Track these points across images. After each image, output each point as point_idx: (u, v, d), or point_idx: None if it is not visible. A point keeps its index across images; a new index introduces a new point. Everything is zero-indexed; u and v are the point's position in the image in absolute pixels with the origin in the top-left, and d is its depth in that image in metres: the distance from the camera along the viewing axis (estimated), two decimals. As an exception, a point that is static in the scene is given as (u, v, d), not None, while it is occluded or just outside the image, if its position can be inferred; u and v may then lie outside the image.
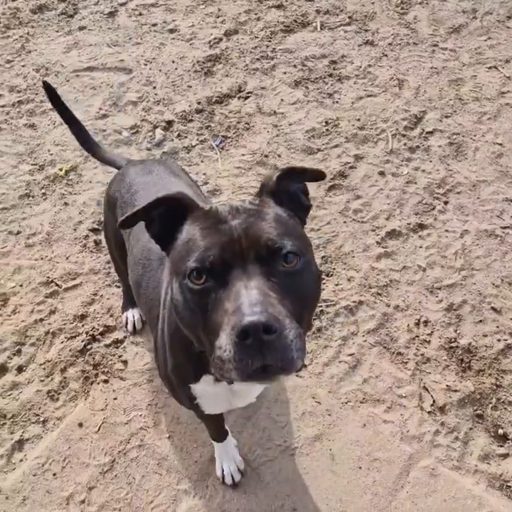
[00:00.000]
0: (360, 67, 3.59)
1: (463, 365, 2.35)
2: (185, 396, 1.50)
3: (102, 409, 2.23)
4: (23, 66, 3.61)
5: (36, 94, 3.42)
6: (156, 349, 1.57)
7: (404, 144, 3.16)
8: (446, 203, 2.91)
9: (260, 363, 0.92)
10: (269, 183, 1.19)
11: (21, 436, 2.16)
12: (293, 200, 1.22)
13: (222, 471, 2.04)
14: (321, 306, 2.51)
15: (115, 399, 2.25)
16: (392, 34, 3.79)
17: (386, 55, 3.67)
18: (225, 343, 0.93)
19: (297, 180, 1.24)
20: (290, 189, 1.22)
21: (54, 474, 2.07)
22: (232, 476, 2.04)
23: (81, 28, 3.88)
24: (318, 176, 1.26)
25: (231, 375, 0.95)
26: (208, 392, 1.47)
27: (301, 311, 1.04)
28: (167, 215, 1.17)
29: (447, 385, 2.29)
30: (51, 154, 3.12)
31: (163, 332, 1.46)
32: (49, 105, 3.36)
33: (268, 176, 1.21)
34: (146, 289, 1.65)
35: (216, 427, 1.95)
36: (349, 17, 3.92)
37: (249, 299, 0.93)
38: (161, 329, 1.49)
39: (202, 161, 3.10)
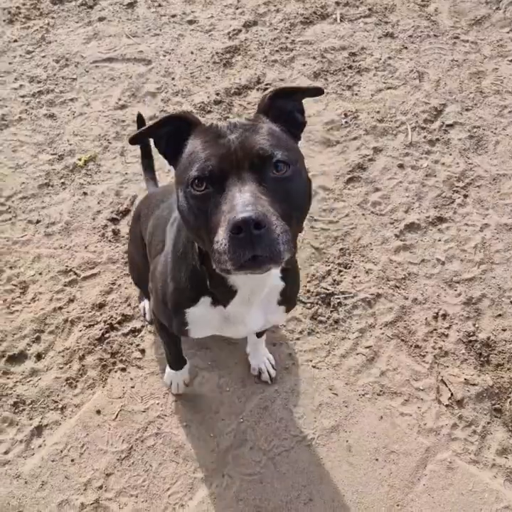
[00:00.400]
0: (380, 59, 3.56)
1: (481, 359, 2.33)
2: (178, 321, 1.61)
3: (120, 397, 2.24)
4: (43, 57, 3.62)
5: (56, 84, 3.44)
6: (154, 278, 1.72)
7: (424, 137, 3.13)
8: (465, 196, 2.89)
9: (251, 254, 1.05)
10: (264, 102, 1.29)
11: (40, 422, 2.19)
12: (288, 118, 1.31)
13: (171, 383, 2.21)
14: (338, 298, 2.50)
15: (133, 387, 2.27)
16: (413, 26, 3.76)
17: (406, 48, 3.64)
18: (221, 237, 1.07)
19: (291, 99, 1.32)
20: (285, 107, 1.30)
21: (72, 460, 2.09)
22: (178, 388, 2.20)
23: (101, 19, 3.89)
24: (312, 92, 1.35)
25: (227, 265, 1.09)
26: (202, 317, 1.57)
27: (290, 213, 1.15)
28: (173, 133, 1.30)
29: (465, 379, 2.27)
30: (70, 144, 3.13)
31: (167, 260, 1.61)
32: (69, 95, 3.39)
33: (264, 96, 1.30)
34: (156, 236, 1.83)
35: (177, 351, 2.08)
36: (369, 9, 3.89)
37: (242, 200, 1.06)
38: (164, 256, 1.65)
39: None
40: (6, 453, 2.11)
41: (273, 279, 1.49)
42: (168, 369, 2.22)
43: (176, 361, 2.13)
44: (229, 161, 1.14)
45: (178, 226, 1.57)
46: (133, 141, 1.34)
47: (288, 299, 1.64)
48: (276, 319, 1.72)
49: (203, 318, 1.58)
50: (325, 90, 3.29)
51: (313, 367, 2.32)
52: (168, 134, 1.31)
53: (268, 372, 2.26)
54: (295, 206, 1.18)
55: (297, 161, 1.21)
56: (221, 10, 3.93)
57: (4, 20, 3.85)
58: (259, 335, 2.17)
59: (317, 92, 1.34)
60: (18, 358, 2.35)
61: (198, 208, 1.17)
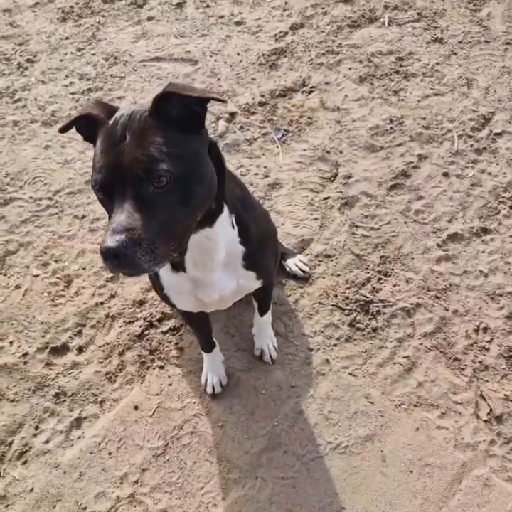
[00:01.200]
0: (428, 64, 3.51)
1: (522, 375, 2.29)
2: (159, 287, 1.69)
3: (157, 394, 2.28)
4: (93, 54, 3.69)
5: (105, 82, 3.50)
6: None
7: (471, 146, 3.08)
8: (511, 207, 2.83)
9: (118, 271, 1.19)
10: (152, 105, 1.24)
11: (80, 414, 2.24)
12: (186, 111, 1.25)
13: (206, 380, 2.26)
14: (377, 307, 2.48)
15: (170, 385, 2.30)
16: (463, 32, 3.69)
17: (455, 53, 3.57)
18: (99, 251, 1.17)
19: (185, 100, 1.24)
20: (180, 102, 1.24)
21: (109, 453, 2.14)
22: (213, 387, 2.25)
23: (149, 19, 3.94)
24: (204, 100, 1.26)
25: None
26: (172, 282, 1.64)
27: (173, 220, 1.21)
28: (90, 123, 1.32)
29: (505, 395, 2.23)
30: (117, 142, 3.18)
31: None
32: (117, 93, 3.45)
33: (154, 98, 1.25)
34: None
35: (203, 336, 2.17)
36: (418, 13, 3.83)
37: (113, 225, 1.14)
38: None
39: (263, 154, 3.11)
40: (46, 442, 2.17)
41: (225, 244, 1.53)
42: (205, 367, 2.26)
43: (204, 343, 2.21)
44: (115, 174, 1.18)
45: None
46: (60, 131, 1.40)
47: (255, 265, 1.68)
48: (248, 285, 1.75)
49: (173, 283, 1.64)
50: (370, 95, 3.28)
51: (350, 374, 2.31)
52: (86, 125, 1.34)
53: (270, 354, 2.32)
54: (179, 212, 1.22)
55: (187, 164, 1.22)
56: (268, 12, 3.93)
57: (58, 19, 3.93)
58: (261, 313, 2.22)
59: (204, 99, 1.26)
60: (61, 350, 2.42)
61: (104, 207, 1.27)
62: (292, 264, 2.59)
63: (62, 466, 2.11)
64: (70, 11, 3.98)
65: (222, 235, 1.50)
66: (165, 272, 1.62)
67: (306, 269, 2.60)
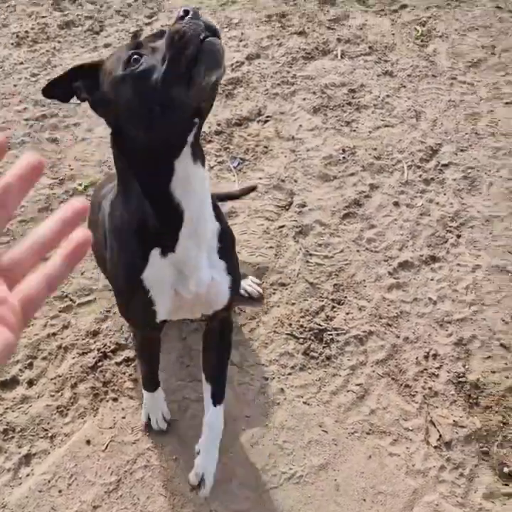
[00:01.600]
0: (379, 97, 3.64)
1: (470, 400, 2.35)
2: (139, 295, 1.58)
3: (111, 428, 2.24)
4: (48, 80, 3.67)
5: (60, 109, 3.48)
6: (108, 268, 1.75)
7: (420, 176, 3.20)
8: (459, 236, 2.93)
9: (197, 42, 1.15)
10: None
11: (29, 450, 2.18)
12: None
13: (148, 419, 2.18)
14: (331, 335, 2.52)
15: (123, 418, 2.27)
16: (412, 66, 3.84)
17: (404, 86, 3.72)
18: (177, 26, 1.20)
19: None
20: None
21: (59, 491, 2.09)
22: (157, 423, 2.17)
23: (106, 46, 3.95)
24: None
25: (191, 48, 1.17)
26: (158, 276, 1.55)
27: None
28: (89, 83, 1.34)
29: (454, 420, 2.29)
30: (71, 169, 3.17)
31: (112, 244, 1.63)
32: (72, 120, 3.44)
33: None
34: (95, 231, 1.77)
35: (150, 368, 2.10)
36: (370, 47, 3.98)
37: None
38: (109, 246, 1.65)
39: (219, 183, 3.14)
40: (-7, 481, 2.10)
41: (210, 217, 1.56)
42: (145, 407, 2.21)
43: (149, 380, 2.14)
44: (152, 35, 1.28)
45: (113, 192, 1.63)
46: (44, 92, 1.42)
47: (225, 250, 1.67)
48: (219, 279, 1.67)
49: (159, 278, 1.56)
50: (324, 126, 3.37)
51: (304, 403, 2.33)
52: (84, 85, 1.37)
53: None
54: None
55: None
56: (225, 42, 4.00)
57: (12, 44, 3.90)
58: (215, 395, 1.94)
59: None
60: (10, 383, 2.35)
61: (145, 84, 1.21)
62: (246, 285, 2.61)
63: (9, 507, 2.04)
64: (25, 36, 3.96)
65: (208, 191, 1.50)
66: (151, 266, 1.54)
67: (260, 289, 2.63)
